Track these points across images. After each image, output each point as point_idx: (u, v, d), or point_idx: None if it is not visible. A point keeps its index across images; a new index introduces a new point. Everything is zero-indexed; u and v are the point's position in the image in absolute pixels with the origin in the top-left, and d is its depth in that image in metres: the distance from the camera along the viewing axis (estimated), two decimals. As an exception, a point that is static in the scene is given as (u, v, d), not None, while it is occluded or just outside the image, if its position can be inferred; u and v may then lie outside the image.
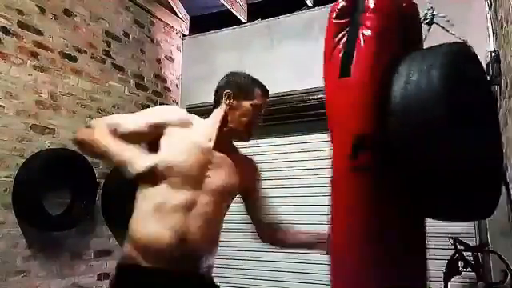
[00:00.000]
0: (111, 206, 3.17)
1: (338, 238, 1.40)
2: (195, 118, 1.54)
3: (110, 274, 1.55)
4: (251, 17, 4.06)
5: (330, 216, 1.40)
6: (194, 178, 1.39)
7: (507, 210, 2.28)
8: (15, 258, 2.56)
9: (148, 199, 1.39)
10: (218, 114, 1.52)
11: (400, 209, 1.26)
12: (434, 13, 1.45)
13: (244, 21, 4.04)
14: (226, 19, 3.99)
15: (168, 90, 4.05)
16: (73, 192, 2.92)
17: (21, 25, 2.71)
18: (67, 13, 3.04)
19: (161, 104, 3.91)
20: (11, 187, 2.56)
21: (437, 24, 1.45)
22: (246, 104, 1.49)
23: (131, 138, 1.40)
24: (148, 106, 3.75)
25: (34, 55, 2.78)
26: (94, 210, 3.04)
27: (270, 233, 1.61)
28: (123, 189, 3.16)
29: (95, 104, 3.21)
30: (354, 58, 1.31)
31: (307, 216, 3.39)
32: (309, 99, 3.37)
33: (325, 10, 3.59)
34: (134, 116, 1.49)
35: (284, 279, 3.38)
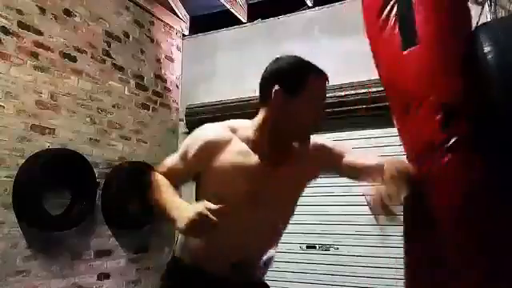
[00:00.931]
0: (111, 206, 3.17)
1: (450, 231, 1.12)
2: (237, 129, 1.25)
3: (164, 270, 1.58)
4: (251, 17, 4.06)
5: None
6: (249, 203, 1.19)
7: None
8: (15, 258, 2.56)
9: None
10: (265, 117, 1.22)
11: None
12: None
13: (244, 21, 4.04)
14: (226, 19, 3.99)
15: (168, 90, 4.04)
16: (73, 192, 2.92)
17: (21, 25, 2.71)
18: (67, 13, 3.04)
19: (161, 104, 3.91)
20: (11, 187, 2.55)
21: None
22: (303, 100, 1.18)
23: (181, 179, 1.30)
24: (148, 106, 3.75)
25: (34, 55, 2.78)
26: (94, 210, 3.04)
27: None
28: (123, 189, 3.19)
29: (95, 104, 3.21)
30: (418, 26, 1.17)
31: (306, 216, 3.40)
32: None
33: (325, 10, 3.62)
34: (178, 159, 1.29)
35: (283, 279, 3.37)
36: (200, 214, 1.02)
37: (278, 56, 1.26)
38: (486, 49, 1.08)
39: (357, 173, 1.28)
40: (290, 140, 1.26)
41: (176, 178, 1.27)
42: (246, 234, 1.21)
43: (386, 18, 1.23)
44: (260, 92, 1.25)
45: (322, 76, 1.23)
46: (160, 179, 1.26)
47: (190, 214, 1.03)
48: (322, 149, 1.32)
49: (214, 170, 1.21)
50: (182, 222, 1.04)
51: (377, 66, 1.39)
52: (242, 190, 1.19)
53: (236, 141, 1.23)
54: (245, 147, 1.23)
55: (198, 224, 1.02)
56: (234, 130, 1.25)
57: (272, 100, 1.18)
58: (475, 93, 1.08)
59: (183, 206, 1.11)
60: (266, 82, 1.22)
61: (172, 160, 1.30)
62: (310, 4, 3.72)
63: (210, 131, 1.26)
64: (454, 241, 1.08)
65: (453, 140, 1.08)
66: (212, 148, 1.21)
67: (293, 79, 1.19)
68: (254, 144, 1.23)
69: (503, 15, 2.26)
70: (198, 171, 1.26)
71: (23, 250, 2.61)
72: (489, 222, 1.06)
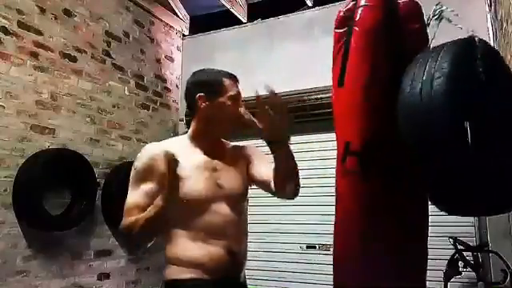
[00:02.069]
0: (111, 206, 3.17)
1: (337, 237, 1.52)
2: (171, 144, 1.43)
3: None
4: (251, 17, 4.06)
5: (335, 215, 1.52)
6: (211, 196, 1.38)
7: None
8: (15, 257, 2.56)
9: (183, 225, 1.36)
10: (198, 121, 1.45)
11: (391, 208, 1.33)
12: (443, 8, 1.45)
13: (244, 21, 4.04)
14: (226, 19, 3.99)
15: (168, 90, 4.05)
16: (73, 192, 2.92)
17: (21, 25, 2.71)
18: (67, 13, 3.04)
19: (161, 104, 3.91)
20: (11, 187, 2.55)
21: (446, 19, 1.44)
22: (223, 99, 1.41)
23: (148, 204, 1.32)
24: (148, 106, 3.75)
25: (34, 55, 2.78)
26: (94, 210, 3.04)
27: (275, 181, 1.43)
28: (123, 189, 3.18)
29: (95, 104, 3.21)
30: (346, 69, 1.40)
31: (306, 216, 3.40)
32: (309, 99, 3.37)
33: (325, 10, 3.62)
34: (134, 192, 1.36)
35: (283, 279, 3.38)
36: None
37: (193, 71, 1.51)
38: (400, 89, 1.28)
39: (257, 181, 1.50)
40: (223, 134, 1.50)
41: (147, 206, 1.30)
42: (219, 220, 1.37)
43: (337, 52, 1.49)
44: (188, 106, 1.48)
45: (234, 79, 1.47)
46: (129, 220, 1.29)
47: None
48: (246, 149, 1.56)
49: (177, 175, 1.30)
50: (163, 201, 1.24)
51: None
52: (200, 187, 1.36)
53: (179, 149, 1.35)
54: (188, 150, 1.42)
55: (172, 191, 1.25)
56: (170, 145, 1.41)
57: (199, 105, 1.41)
58: (376, 130, 1.34)
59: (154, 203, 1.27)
60: (190, 93, 1.45)
61: (135, 198, 1.33)
62: (309, 4, 3.73)
63: (155, 147, 1.47)
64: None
65: (347, 171, 1.39)
66: (161, 158, 1.34)
67: (212, 85, 1.43)
68: (199, 146, 1.44)
69: (502, 15, 2.26)
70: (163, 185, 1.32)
71: (23, 250, 2.61)
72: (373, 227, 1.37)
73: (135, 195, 1.34)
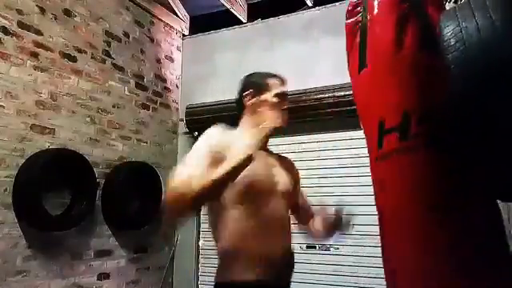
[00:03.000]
0: (111, 206, 3.18)
1: (384, 231, 1.30)
2: (232, 133, 1.47)
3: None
4: (251, 17, 4.06)
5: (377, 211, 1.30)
6: (271, 189, 1.41)
7: (506, 211, 2.27)
8: (15, 257, 2.56)
9: (242, 220, 1.34)
10: (248, 117, 1.53)
11: (451, 189, 1.09)
12: None
13: (244, 21, 4.04)
14: (226, 19, 3.99)
15: (168, 90, 4.05)
16: (73, 192, 2.92)
17: (21, 25, 2.71)
18: (67, 13, 3.04)
19: (161, 104, 3.91)
20: (11, 187, 2.55)
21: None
22: (268, 96, 1.51)
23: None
24: (148, 106, 3.75)
25: (34, 55, 2.78)
26: (94, 210, 3.04)
27: (308, 217, 1.67)
28: (123, 189, 3.19)
29: (95, 104, 3.21)
30: (367, 50, 1.28)
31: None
32: (309, 99, 3.37)
33: (325, 10, 3.62)
34: (196, 160, 1.29)
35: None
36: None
37: (244, 75, 1.62)
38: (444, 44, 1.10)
39: (296, 205, 1.61)
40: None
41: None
42: (278, 216, 1.41)
43: (352, 42, 1.38)
44: (237, 105, 1.58)
45: (280, 79, 1.57)
46: (186, 180, 1.20)
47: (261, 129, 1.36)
48: (294, 165, 1.66)
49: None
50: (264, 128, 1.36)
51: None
52: (262, 175, 1.39)
53: (237, 138, 1.40)
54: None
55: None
56: (232, 134, 1.45)
57: (246, 101, 1.52)
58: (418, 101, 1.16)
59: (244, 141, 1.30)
60: (239, 94, 1.57)
61: (193, 167, 1.24)
62: (310, 4, 3.72)
63: (220, 129, 1.43)
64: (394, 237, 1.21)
65: (387, 153, 1.19)
66: (228, 142, 1.36)
67: (258, 84, 1.54)
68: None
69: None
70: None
71: (23, 250, 2.61)
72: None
73: (194, 167, 1.24)
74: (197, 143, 1.36)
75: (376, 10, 1.29)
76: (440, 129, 1.11)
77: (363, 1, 1.35)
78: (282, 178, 1.47)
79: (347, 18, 1.41)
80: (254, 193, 1.34)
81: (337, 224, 1.58)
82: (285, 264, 1.40)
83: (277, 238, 1.38)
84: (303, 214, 1.67)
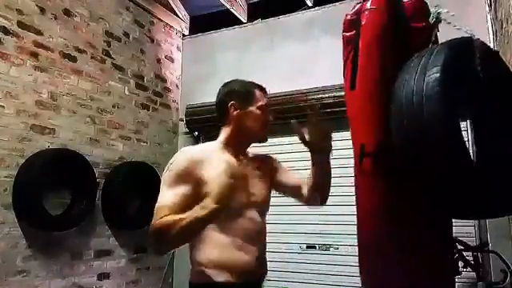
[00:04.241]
0: (111, 206, 3.18)
1: (361, 236, 1.53)
2: (206, 148, 1.50)
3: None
4: (251, 17, 4.06)
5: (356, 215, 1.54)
6: (246, 203, 1.42)
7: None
8: (15, 257, 2.56)
9: (216, 229, 1.36)
10: (229, 128, 1.52)
11: (408, 209, 1.32)
12: (439, 10, 1.45)
13: (244, 21, 4.04)
14: (226, 19, 3.99)
15: (168, 90, 4.05)
16: (73, 192, 2.92)
17: (21, 25, 2.71)
18: (67, 13, 3.04)
19: (161, 104, 3.91)
20: (11, 187, 2.55)
21: (444, 20, 1.45)
22: (253, 109, 1.51)
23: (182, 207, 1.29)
24: (148, 106, 3.75)
25: (34, 55, 2.78)
26: (94, 210, 3.04)
27: (310, 190, 1.58)
28: (123, 189, 3.19)
29: (95, 104, 3.21)
30: (357, 72, 1.40)
31: (306, 216, 3.40)
32: (309, 99, 3.37)
33: (325, 10, 3.62)
34: (169, 194, 1.31)
35: (283, 279, 3.37)
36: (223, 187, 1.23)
37: (225, 82, 1.60)
38: (396, 90, 1.28)
39: (288, 189, 1.62)
40: (251, 140, 1.56)
41: (183, 209, 1.25)
42: (252, 227, 1.42)
43: (347, 55, 1.49)
44: (217, 111, 1.56)
45: (264, 91, 1.57)
46: (165, 220, 1.23)
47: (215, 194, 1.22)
48: (270, 162, 1.65)
49: (209, 178, 1.30)
50: (216, 203, 1.19)
51: None
52: (239, 190, 1.34)
53: (213, 154, 1.44)
54: (222, 155, 1.45)
55: (227, 193, 1.20)
56: (206, 149, 1.49)
57: (231, 112, 1.50)
58: (387, 134, 1.34)
59: (202, 204, 1.22)
60: (222, 102, 1.54)
61: (169, 199, 1.28)
62: (310, 4, 3.72)
63: (187, 152, 1.44)
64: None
65: (364, 172, 1.43)
66: (199, 162, 1.36)
67: (243, 95, 1.52)
68: (228, 152, 1.48)
69: (502, 15, 2.26)
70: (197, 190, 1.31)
71: (23, 250, 2.61)
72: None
73: (169, 196, 1.29)
74: (164, 176, 1.36)
75: (366, 35, 1.43)
76: (394, 160, 1.32)
77: (357, 19, 1.43)
78: (257, 189, 1.48)
79: (343, 31, 1.52)
80: (230, 209, 1.29)
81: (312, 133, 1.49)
82: (257, 269, 1.43)
83: (251, 246, 1.40)
84: (304, 189, 1.58)
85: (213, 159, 1.39)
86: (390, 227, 1.34)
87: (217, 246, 1.37)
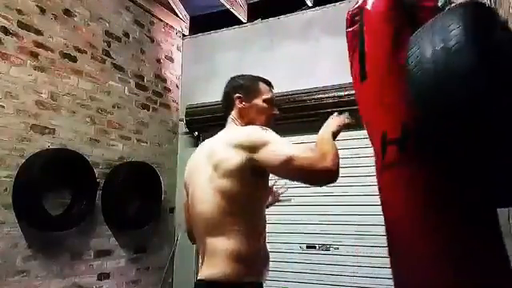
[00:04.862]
0: (111, 206, 3.17)
1: (391, 234, 1.38)
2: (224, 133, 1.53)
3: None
4: (251, 17, 4.06)
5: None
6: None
7: (507, 210, 2.27)
8: (15, 257, 2.56)
9: (252, 217, 1.37)
10: (235, 119, 1.54)
11: (442, 202, 1.17)
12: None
13: (244, 21, 4.04)
14: (226, 19, 3.99)
15: (168, 90, 4.05)
16: (73, 192, 2.92)
17: (21, 25, 2.71)
18: (67, 13, 3.04)
19: (161, 104, 3.91)
20: (11, 187, 2.55)
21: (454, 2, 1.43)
22: (259, 101, 1.54)
23: None
24: (148, 106, 3.75)
25: (34, 55, 2.78)
26: (94, 210, 3.04)
27: None
28: (123, 189, 3.19)
29: (95, 104, 3.21)
30: (366, 62, 1.34)
31: (306, 216, 3.40)
32: (309, 99, 3.37)
33: (325, 10, 3.62)
34: (283, 140, 1.34)
35: (283, 279, 3.37)
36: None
37: (232, 77, 1.63)
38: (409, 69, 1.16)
39: None
40: None
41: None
42: (265, 222, 1.44)
43: (354, 48, 1.43)
44: (223, 105, 1.60)
45: (270, 84, 1.60)
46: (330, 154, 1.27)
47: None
48: None
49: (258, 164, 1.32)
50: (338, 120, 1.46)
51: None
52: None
53: None
54: None
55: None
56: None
57: (236, 105, 1.53)
58: (409, 120, 1.23)
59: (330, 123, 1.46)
60: (228, 96, 1.58)
61: (296, 146, 1.32)
62: (310, 4, 3.72)
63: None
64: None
65: (389, 164, 1.28)
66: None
67: (249, 88, 1.56)
68: None
69: (503, 15, 2.26)
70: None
71: (23, 250, 2.61)
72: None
73: (295, 146, 1.32)
74: (267, 136, 1.32)
75: (370, 22, 1.36)
76: (428, 143, 1.18)
77: (359, 11, 1.40)
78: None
79: (347, 27, 1.46)
80: (258, 207, 1.41)
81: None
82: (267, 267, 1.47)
83: (265, 243, 1.44)
84: None
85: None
86: (427, 220, 1.17)
87: (249, 242, 1.31)
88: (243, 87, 1.56)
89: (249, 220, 1.32)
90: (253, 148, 1.28)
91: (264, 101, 1.54)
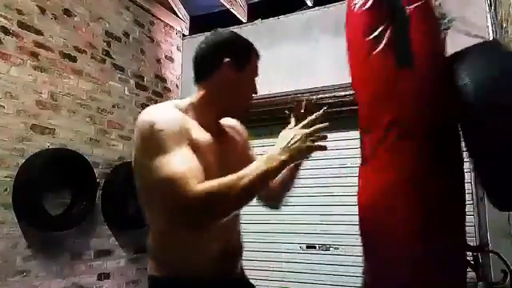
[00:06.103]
0: (111, 206, 3.17)
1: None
2: (183, 108, 1.20)
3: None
4: (251, 17, 4.06)
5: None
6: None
7: (507, 212, 2.27)
8: (15, 257, 2.56)
9: None
10: (209, 92, 1.20)
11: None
12: (450, 18, 1.46)
13: (244, 21, 4.04)
14: (226, 19, 3.99)
15: (168, 90, 4.05)
16: (73, 192, 2.92)
17: (21, 25, 2.71)
18: (67, 13, 3.04)
19: (161, 104, 3.91)
20: (11, 187, 2.55)
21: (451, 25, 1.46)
22: (249, 74, 1.22)
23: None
24: (147, 106, 3.74)
25: (34, 55, 2.78)
26: (94, 210, 3.04)
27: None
28: (123, 189, 3.19)
29: (95, 104, 3.21)
30: (417, 50, 1.24)
31: (306, 216, 3.40)
32: (309, 99, 3.36)
33: (325, 10, 3.62)
34: (179, 156, 1.04)
35: (283, 279, 3.38)
36: (310, 134, 1.12)
37: (215, 30, 1.26)
38: (464, 81, 1.19)
39: None
40: (231, 114, 1.27)
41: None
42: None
43: (377, 37, 1.29)
44: (200, 65, 1.24)
45: (258, 53, 1.26)
46: (210, 185, 0.99)
47: (301, 137, 1.10)
48: (242, 131, 1.37)
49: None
50: (303, 147, 1.08)
51: (353, 77, 1.49)
52: (212, 166, 1.10)
53: (188, 120, 1.14)
54: (196, 124, 1.16)
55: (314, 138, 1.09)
56: (181, 110, 1.18)
57: (220, 72, 1.18)
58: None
59: (279, 147, 1.08)
60: (212, 54, 1.20)
61: (182, 158, 1.02)
62: (310, 4, 3.72)
63: (169, 113, 1.16)
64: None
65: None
66: (185, 127, 1.10)
67: (243, 53, 1.20)
68: (201, 120, 1.18)
69: (502, 15, 2.26)
70: None
71: (23, 250, 2.61)
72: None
73: (183, 158, 1.01)
74: (156, 135, 1.10)
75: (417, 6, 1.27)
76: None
77: None
78: (232, 167, 1.07)
79: (370, 7, 1.31)
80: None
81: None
82: (232, 262, 1.22)
83: (231, 230, 1.20)
84: (278, 189, 1.37)
85: (192, 130, 1.12)
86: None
87: (181, 236, 1.11)
88: (235, 50, 1.20)
89: None
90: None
91: (252, 75, 1.23)
